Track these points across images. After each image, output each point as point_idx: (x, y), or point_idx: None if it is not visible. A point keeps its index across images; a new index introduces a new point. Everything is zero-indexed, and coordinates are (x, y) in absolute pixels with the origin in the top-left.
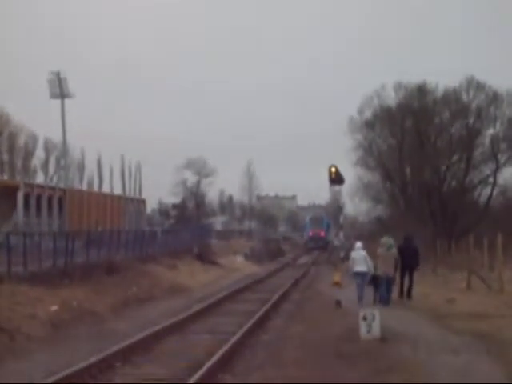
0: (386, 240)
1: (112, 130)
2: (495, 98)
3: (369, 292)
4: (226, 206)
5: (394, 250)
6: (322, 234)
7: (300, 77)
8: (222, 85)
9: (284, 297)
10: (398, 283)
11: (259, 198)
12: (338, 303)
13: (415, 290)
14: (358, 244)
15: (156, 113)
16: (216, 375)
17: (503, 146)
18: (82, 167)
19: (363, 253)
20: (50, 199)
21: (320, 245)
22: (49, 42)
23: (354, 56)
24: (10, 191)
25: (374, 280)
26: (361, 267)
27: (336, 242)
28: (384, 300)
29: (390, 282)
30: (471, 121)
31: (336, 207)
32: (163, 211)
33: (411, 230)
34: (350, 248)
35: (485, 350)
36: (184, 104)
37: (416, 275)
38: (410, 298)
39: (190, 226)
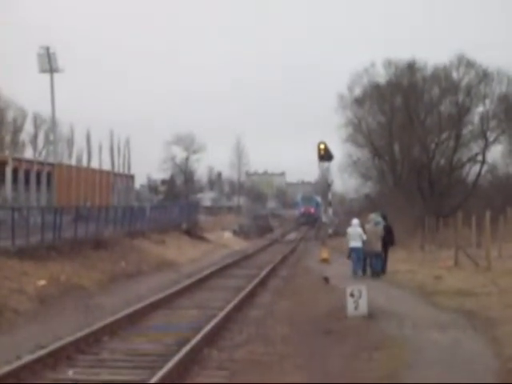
0: (374, 217)
1: (101, 105)
2: (485, 76)
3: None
4: (215, 182)
5: (380, 227)
6: (312, 210)
7: (291, 52)
8: (213, 60)
9: (272, 273)
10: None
11: (248, 174)
12: (326, 279)
13: (402, 267)
14: (355, 221)
15: (146, 88)
16: (202, 350)
17: (492, 123)
18: (71, 142)
19: (359, 229)
20: (38, 174)
21: (310, 220)
22: (40, 16)
23: (343, 33)
24: None
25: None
26: (356, 243)
27: (324, 219)
28: (373, 273)
29: (376, 257)
30: (461, 98)
31: (325, 184)
32: (152, 187)
33: (400, 206)
34: (338, 224)
35: (472, 327)
36: (173, 79)
37: (403, 253)
38: (384, 274)
39: (179, 201)
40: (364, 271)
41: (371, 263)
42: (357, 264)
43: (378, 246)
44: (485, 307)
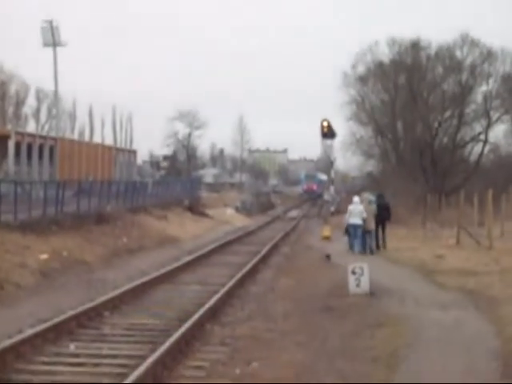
0: (367, 196)
1: (104, 80)
2: (489, 55)
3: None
4: (217, 158)
5: (373, 206)
6: (315, 187)
7: (294, 30)
8: (217, 36)
9: (274, 249)
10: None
11: (250, 151)
12: (328, 257)
13: (404, 245)
14: (356, 198)
15: (148, 63)
16: (204, 325)
17: (496, 103)
18: (73, 117)
19: (360, 207)
20: (40, 148)
21: (312, 196)
22: None
23: (348, 11)
24: (0, 140)
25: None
26: (356, 220)
27: (326, 197)
28: (365, 248)
29: (370, 234)
30: (464, 77)
31: (327, 162)
32: (154, 163)
33: (403, 185)
34: (340, 202)
35: (473, 306)
36: (177, 54)
37: (405, 230)
38: (385, 248)
39: (181, 177)
40: (364, 248)
41: (364, 240)
42: (354, 240)
43: (371, 224)
44: (486, 286)
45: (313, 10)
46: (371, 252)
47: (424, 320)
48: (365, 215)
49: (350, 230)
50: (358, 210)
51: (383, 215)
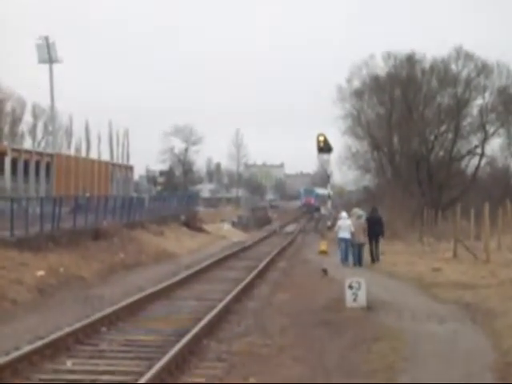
0: (356, 211)
1: (100, 96)
2: (484, 68)
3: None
4: (214, 173)
5: (363, 220)
6: (312, 201)
7: (290, 45)
8: (213, 50)
9: (270, 264)
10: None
11: (247, 165)
12: (325, 271)
13: (401, 259)
14: (344, 214)
15: (144, 79)
16: (201, 341)
17: (491, 116)
18: (69, 133)
19: (348, 221)
20: (37, 164)
21: (310, 209)
22: (38, 6)
23: (343, 25)
24: None
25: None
26: (344, 234)
27: (323, 211)
28: (355, 262)
29: (359, 247)
30: (460, 91)
31: (324, 176)
32: (150, 178)
33: (399, 199)
34: (337, 217)
35: (470, 320)
36: (173, 69)
37: (402, 245)
38: (378, 261)
39: (178, 193)
40: (357, 261)
41: (354, 253)
42: (344, 253)
43: (361, 238)
44: (484, 299)
45: (309, 25)
46: (360, 264)
47: (421, 333)
48: (353, 229)
49: (340, 244)
50: (346, 225)
51: (376, 229)
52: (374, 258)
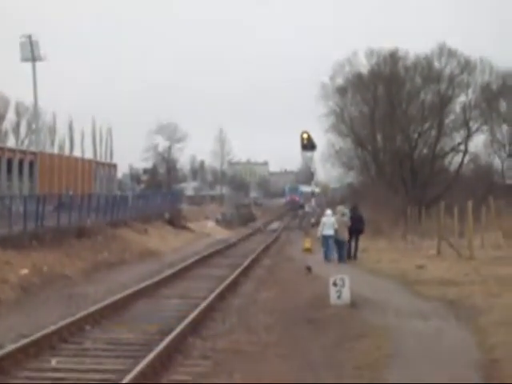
0: (341, 208)
1: (84, 94)
2: (467, 65)
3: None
4: (198, 171)
5: (346, 218)
6: (297, 198)
7: (274, 42)
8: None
9: (255, 262)
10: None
11: (231, 163)
12: (309, 269)
13: (385, 257)
14: (328, 211)
15: (127, 76)
16: (186, 339)
17: (475, 113)
18: (53, 131)
19: (332, 219)
20: (21, 163)
21: (295, 207)
22: (21, 4)
23: (326, 22)
24: None
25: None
26: (329, 231)
27: (307, 209)
28: (339, 259)
29: (343, 244)
30: (443, 87)
31: (308, 173)
32: (134, 176)
33: (383, 196)
34: (321, 214)
35: (454, 317)
36: (156, 66)
37: (386, 242)
38: (356, 259)
39: (161, 191)
40: (340, 257)
41: (338, 250)
42: (328, 250)
43: (344, 235)
44: (467, 296)
45: (293, 22)
46: (343, 260)
47: (405, 330)
48: (336, 226)
49: (323, 241)
50: (330, 222)
51: (357, 227)
52: (352, 256)
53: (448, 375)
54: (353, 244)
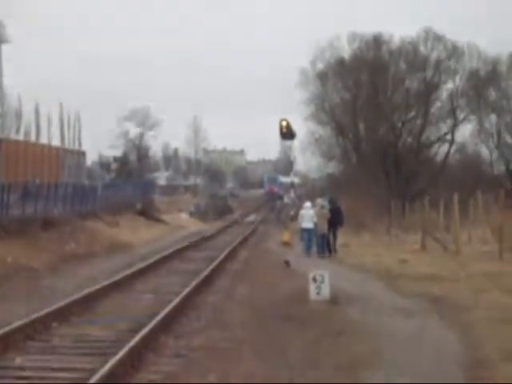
0: (320, 201)
1: (50, 77)
2: (454, 51)
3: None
4: (171, 159)
5: (326, 210)
6: (276, 189)
7: (252, 25)
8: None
9: (231, 255)
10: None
11: (206, 151)
12: (287, 263)
13: (368, 251)
14: (308, 204)
15: (97, 59)
16: (158, 337)
17: (462, 101)
18: (19, 115)
19: (311, 212)
20: None
21: (274, 197)
22: None
23: (306, 5)
24: None
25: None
26: (308, 224)
27: (286, 200)
28: (319, 252)
29: (323, 237)
30: (429, 74)
31: (287, 162)
32: (104, 164)
33: (365, 188)
34: (300, 206)
35: (438, 313)
36: (125, 49)
37: (369, 236)
38: (336, 252)
39: (133, 180)
40: (320, 250)
41: (318, 244)
42: (308, 243)
43: (323, 228)
44: (452, 292)
45: (273, 5)
46: (322, 255)
47: (386, 327)
48: (315, 219)
49: (302, 234)
50: (309, 215)
51: (335, 220)
52: (332, 250)
53: (432, 376)
54: (331, 237)
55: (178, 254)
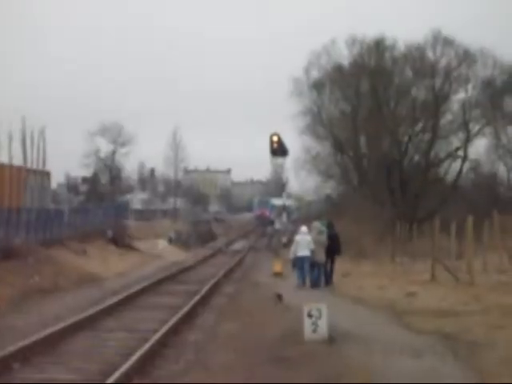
0: (317, 225)
1: (12, 90)
2: (466, 57)
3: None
4: (147, 180)
5: (324, 236)
6: (267, 213)
7: (242, 30)
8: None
9: (215, 289)
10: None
11: (187, 171)
12: (279, 297)
13: (369, 282)
14: (303, 228)
15: (64, 70)
16: (131, 381)
17: (475, 113)
18: None
19: (308, 237)
20: None
21: (265, 222)
22: None
23: (300, 6)
24: None
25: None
26: (304, 251)
27: (278, 225)
28: (313, 283)
29: (319, 266)
30: (438, 83)
31: (278, 184)
32: (71, 186)
33: (367, 210)
34: (294, 232)
35: (451, 354)
36: (97, 60)
37: (371, 265)
38: (331, 284)
39: (104, 204)
40: (316, 282)
41: (314, 274)
42: (303, 273)
43: (321, 256)
44: (466, 329)
45: (263, 9)
46: (317, 286)
47: (393, 371)
48: (312, 246)
49: (297, 264)
50: (306, 241)
51: (332, 248)
52: (328, 280)
53: None
54: (328, 267)
55: (155, 287)
